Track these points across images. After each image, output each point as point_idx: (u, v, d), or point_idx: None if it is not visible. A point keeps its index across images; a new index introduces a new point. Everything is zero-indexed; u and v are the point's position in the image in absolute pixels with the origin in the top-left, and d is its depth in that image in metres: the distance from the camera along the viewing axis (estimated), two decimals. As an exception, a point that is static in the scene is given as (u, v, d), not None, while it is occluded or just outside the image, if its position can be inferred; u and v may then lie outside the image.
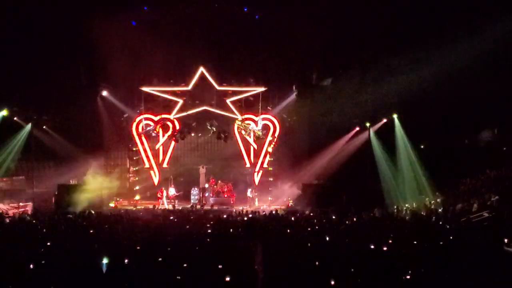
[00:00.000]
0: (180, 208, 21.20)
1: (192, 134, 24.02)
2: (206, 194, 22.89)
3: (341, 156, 22.64)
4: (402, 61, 19.65)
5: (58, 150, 22.09)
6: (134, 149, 23.69)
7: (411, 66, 19.63)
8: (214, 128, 22.37)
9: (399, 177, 21.85)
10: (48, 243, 12.18)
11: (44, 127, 22.15)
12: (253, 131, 22.88)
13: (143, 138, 23.15)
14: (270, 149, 23.31)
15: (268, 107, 23.65)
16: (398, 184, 21.65)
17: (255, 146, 23.40)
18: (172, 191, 22.52)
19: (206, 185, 23.00)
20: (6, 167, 20.69)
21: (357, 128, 22.96)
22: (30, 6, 18.81)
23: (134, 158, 24.06)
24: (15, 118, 20.93)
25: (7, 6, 18.44)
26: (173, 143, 23.35)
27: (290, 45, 21.82)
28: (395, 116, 22.33)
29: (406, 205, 19.78)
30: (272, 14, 21.66)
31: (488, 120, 21.53)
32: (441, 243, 12.17)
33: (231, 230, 14.63)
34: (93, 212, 18.43)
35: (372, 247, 11.84)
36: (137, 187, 23.92)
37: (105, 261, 10.30)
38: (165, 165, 23.56)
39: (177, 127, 22.95)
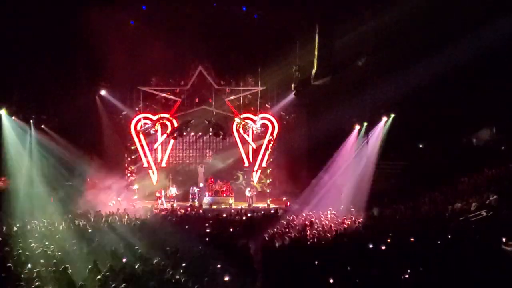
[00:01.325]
0: (178, 207, 21.18)
1: (192, 134, 23.98)
2: (203, 193, 22.77)
3: (340, 155, 22.60)
4: (400, 59, 19.63)
5: (57, 149, 21.99)
6: (132, 147, 23.64)
7: (409, 65, 19.59)
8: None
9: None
10: (47, 243, 12.19)
11: (42, 126, 22.05)
12: (251, 128, 22.93)
13: (141, 137, 23.11)
14: (268, 150, 23.37)
15: (267, 105, 23.65)
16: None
17: (254, 146, 23.43)
18: (173, 190, 22.46)
19: (201, 184, 22.93)
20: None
21: (358, 127, 22.85)
22: (28, 4, 18.75)
23: (132, 157, 23.99)
24: (13, 118, 20.83)
25: (6, 4, 18.39)
26: (171, 142, 23.33)
27: (289, 44, 21.78)
28: (392, 115, 22.22)
29: None
30: (270, 13, 21.61)
31: (487, 119, 21.54)
32: (439, 242, 12.22)
33: (231, 229, 14.67)
34: (91, 211, 18.41)
35: (371, 246, 11.89)
36: (136, 186, 23.81)
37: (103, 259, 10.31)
38: (163, 164, 23.54)
39: (176, 125, 22.97)
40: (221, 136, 22.63)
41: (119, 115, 23.68)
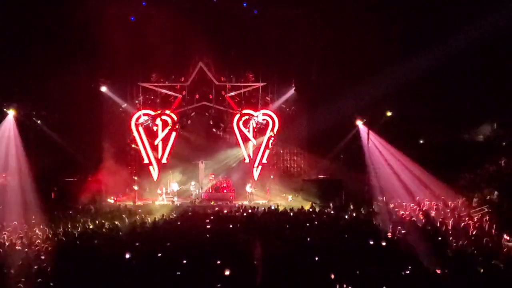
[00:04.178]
0: (178, 204, 21.20)
1: (194, 131, 23.96)
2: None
3: (340, 152, 22.56)
4: (401, 53, 19.58)
5: (57, 145, 21.98)
6: (132, 145, 23.55)
7: (410, 59, 19.53)
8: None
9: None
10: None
11: (39, 121, 21.98)
12: (252, 123, 22.93)
13: (142, 133, 23.01)
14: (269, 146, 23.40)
15: (267, 98, 23.60)
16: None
17: (254, 142, 23.40)
18: (174, 186, 22.45)
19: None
20: None
21: (359, 122, 22.68)
22: (28, 2, 18.75)
23: (133, 153, 23.93)
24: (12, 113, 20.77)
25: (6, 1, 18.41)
26: (172, 138, 23.28)
27: (289, 40, 21.75)
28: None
29: None
30: (271, 9, 21.58)
31: (488, 115, 21.50)
32: (439, 238, 12.23)
33: (231, 225, 14.66)
34: (92, 207, 18.44)
35: (371, 242, 11.88)
36: (136, 187, 23.62)
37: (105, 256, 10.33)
38: (164, 160, 23.49)
39: (175, 119, 23.00)
40: (221, 128, 22.63)
41: (119, 108, 23.60)
